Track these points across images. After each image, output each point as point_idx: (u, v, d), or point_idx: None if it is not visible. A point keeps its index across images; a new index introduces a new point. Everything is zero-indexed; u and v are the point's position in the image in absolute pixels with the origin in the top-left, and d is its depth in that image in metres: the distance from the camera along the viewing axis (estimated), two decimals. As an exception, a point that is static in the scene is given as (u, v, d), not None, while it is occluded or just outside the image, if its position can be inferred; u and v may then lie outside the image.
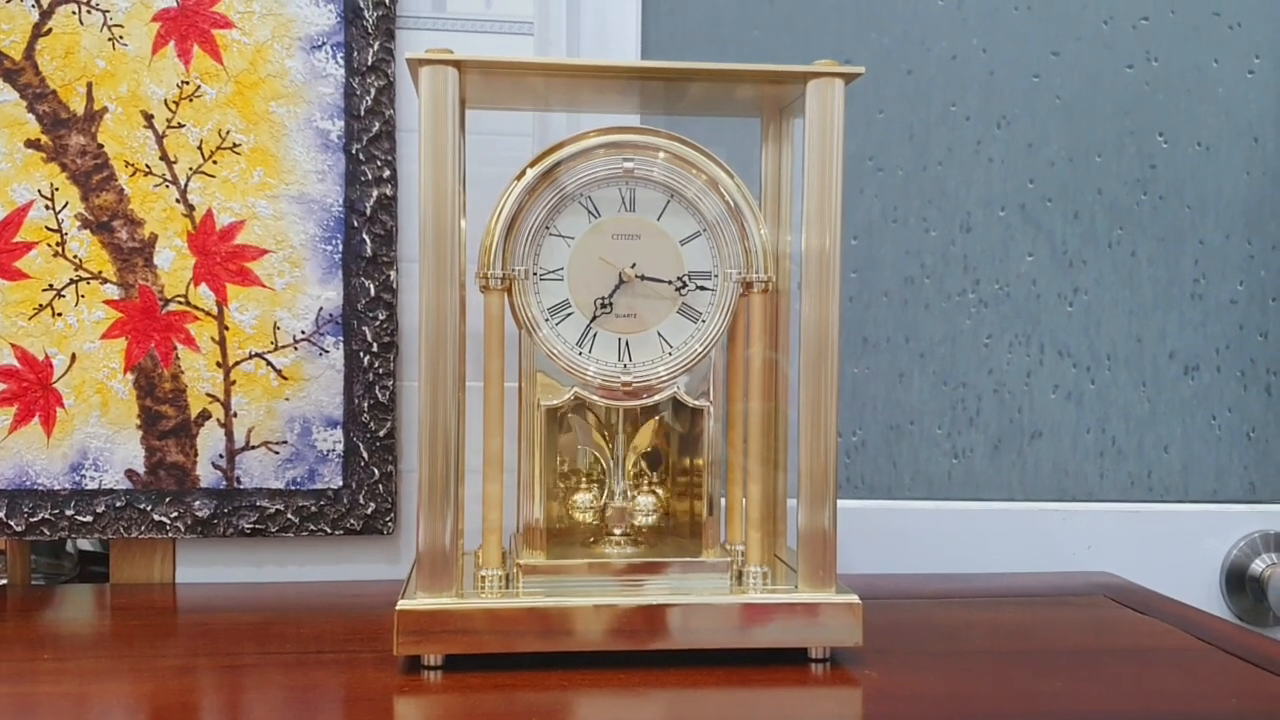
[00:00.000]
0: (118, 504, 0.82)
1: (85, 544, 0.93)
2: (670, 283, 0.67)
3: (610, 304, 0.67)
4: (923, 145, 0.96)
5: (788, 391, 0.74)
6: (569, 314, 0.67)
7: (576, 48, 0.87)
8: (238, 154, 0.82)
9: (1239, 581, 0.94)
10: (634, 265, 0.67)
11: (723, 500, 0.71)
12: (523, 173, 0.67)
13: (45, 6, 0.80)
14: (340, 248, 0.83)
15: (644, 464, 0.73)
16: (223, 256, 0.83)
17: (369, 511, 0.84)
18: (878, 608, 0.74)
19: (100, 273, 0.82)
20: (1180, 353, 0.98)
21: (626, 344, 0.68)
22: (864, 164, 0.95)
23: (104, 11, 0.81)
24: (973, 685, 0.63)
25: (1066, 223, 0.97)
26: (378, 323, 0.84)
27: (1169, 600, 0.83)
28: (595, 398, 0.68)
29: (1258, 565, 0.94)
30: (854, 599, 0.66)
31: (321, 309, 0.83)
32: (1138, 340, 0.98)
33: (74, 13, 0.81)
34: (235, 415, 0.83)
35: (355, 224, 0.83)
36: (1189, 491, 0.98)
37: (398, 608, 0.63)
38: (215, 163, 0.82)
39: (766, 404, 0.69)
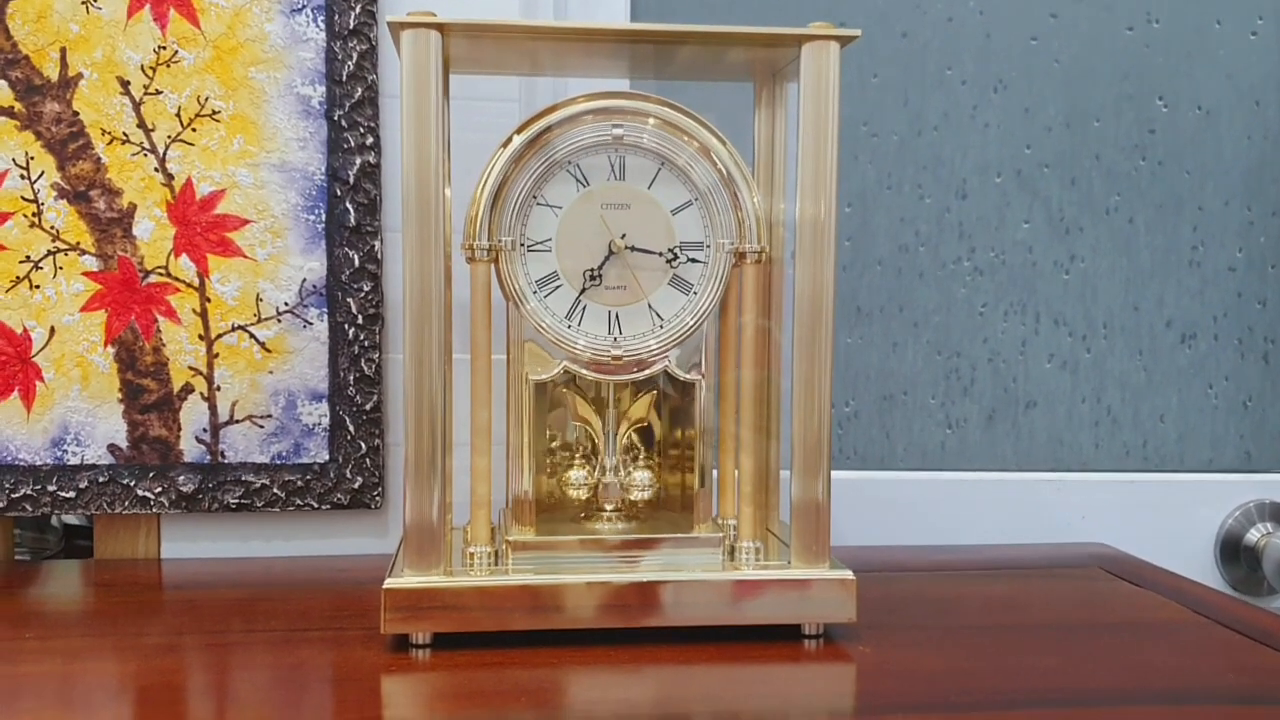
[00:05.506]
0: (100, 479, 0.81)
1: (71, 518, 0.92)
2: (661, 254, 0.66)
3: (600, 276, 0.66)
4: (918, 110, 0.94)
5: (780, 362, 0.72)
6: (558, 286, 0.66)
7: (564, 9, 0.85)
8: (217, 121, 0.80)
9: (1234, 551, 0.94)
10: (624, 236, 0.66)
11: (714, 474, 0.70)
12: (509, 139, 0.65)
13: (16, -32, 0.78)
14: (323, 217, 0.82)
15: (635, 438, 0.72)
16: (203, 227, 0.81)
17: (356, 486, 0.83)
18: (870, 581, 0.73)
19: (78, 244, 0.80)
20: (1177, 321, 0.97)
21: (616, 316, 0.66)
22: (858, 129, 0.93)
23: (77, -27, 0.78)
24: (966, 661, 0.62)
25: (1063, 189, 0.95)
26: (362, 294, 0.82)
27: (1163, 572, 0.82)
28: (585, 371, 0.67)
29: (1253, 535, 0.94)
30: (848, 575, 0.65)
31: (305, 280, 0.82)
32: (1135, 308, 0.97)
33: (45, -25, 0.78)
34: (218, 389, 0.81)
35: (338, 193, 0.82)
36: (1184, 461, 0.98)
37: (385, 586, 0.62)
38: (194, 130, 0.80)
39: (759, 375, 0.68)
